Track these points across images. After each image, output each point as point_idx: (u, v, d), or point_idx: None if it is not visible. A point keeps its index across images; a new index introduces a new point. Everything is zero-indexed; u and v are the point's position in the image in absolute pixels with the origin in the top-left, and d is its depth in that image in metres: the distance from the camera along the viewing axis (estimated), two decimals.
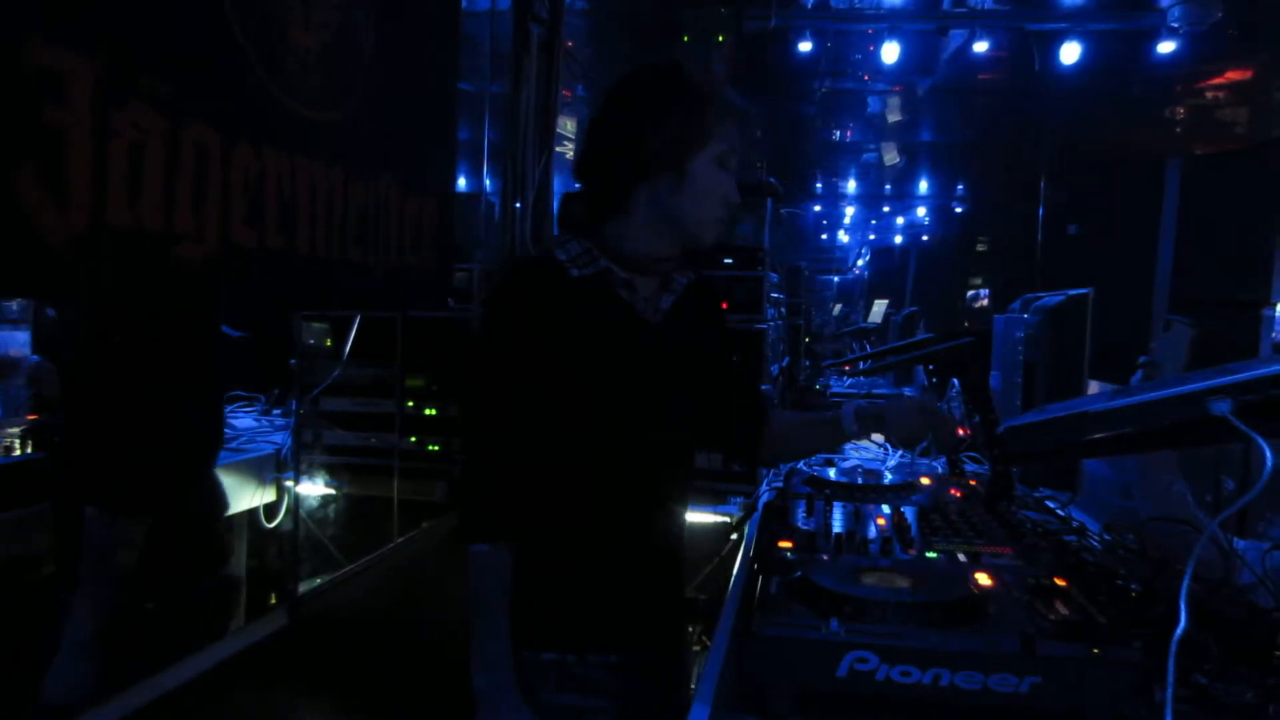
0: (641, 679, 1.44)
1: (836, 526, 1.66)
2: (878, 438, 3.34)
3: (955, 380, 2.69)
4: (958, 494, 2.04)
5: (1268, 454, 1.09)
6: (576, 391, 1.36)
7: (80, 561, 2.10)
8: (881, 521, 1.71)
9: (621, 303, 1.40)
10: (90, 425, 2.18)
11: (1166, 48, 8.17)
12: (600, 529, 1.42)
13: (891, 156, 14.48)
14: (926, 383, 5.09)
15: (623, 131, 1.38)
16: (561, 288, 1.37)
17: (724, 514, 2.89)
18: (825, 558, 1.46)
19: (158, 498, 2.27)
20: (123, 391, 2.14)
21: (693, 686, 1.50)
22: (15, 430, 2.48)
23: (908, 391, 6.98)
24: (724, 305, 1.69)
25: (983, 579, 1.34)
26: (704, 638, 3.05)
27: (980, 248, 15.60)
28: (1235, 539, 1.59)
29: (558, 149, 3.58)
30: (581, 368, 1.36)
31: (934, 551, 1.53)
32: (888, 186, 17.09)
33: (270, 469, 2.81)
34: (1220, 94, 10.36)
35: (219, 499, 2.51)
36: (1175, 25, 7.79)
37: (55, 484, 2.27)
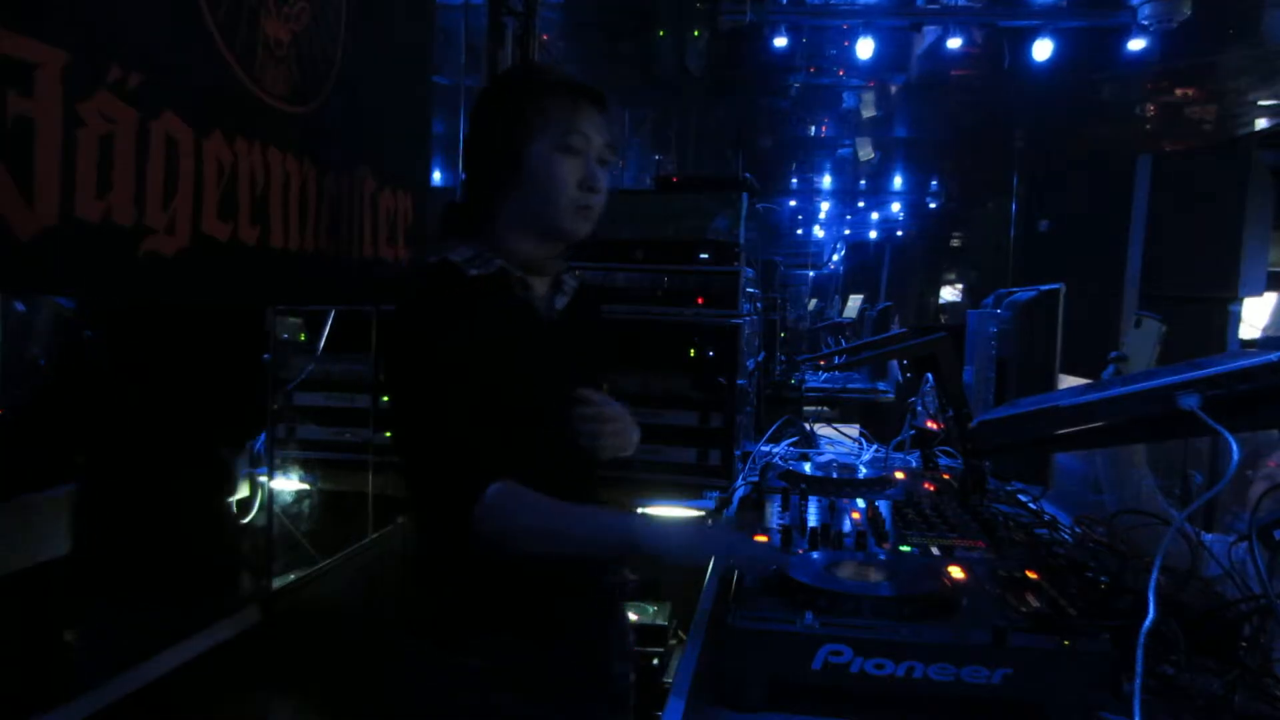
0: (569, 671, 1.42)
1: (811, 520, 1.67)
2: (853, 430, 3.37)
3: (929, 375, 2.71)
4: (931, 488, 2.06)
5: (1234, 448, 1.11)
6: (491, 386, 1.34)
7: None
8: (856, 516, 1.72)
9: (520, 301, 1.42)
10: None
11: (1137, 45, 8.26)
12: None
13: (866, 152, 14.53)
14: (900, 378, 5.13)
15: (470, 143, 1.44)
16: (467, 287, 1.37)
17: (699, 508, 2.89)
18: (800, 551, 1.47)
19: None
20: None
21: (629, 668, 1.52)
22: None
23: (881, 386, 7.04)
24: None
25: (956, 572, 1.36)
26: (680, 632, 3.05)
27: (954, 243, 15.73)
28: (1203, 532, 1.61)
29: None
30: (493, 363, 1.34)
31: (908, 545, 1.54)
32: (862, 182, 17.16)
33: (243, 464, 2.78)
34: (1189, 91, 10.49)
35: None
36: (1145, 23, 7.87)
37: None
